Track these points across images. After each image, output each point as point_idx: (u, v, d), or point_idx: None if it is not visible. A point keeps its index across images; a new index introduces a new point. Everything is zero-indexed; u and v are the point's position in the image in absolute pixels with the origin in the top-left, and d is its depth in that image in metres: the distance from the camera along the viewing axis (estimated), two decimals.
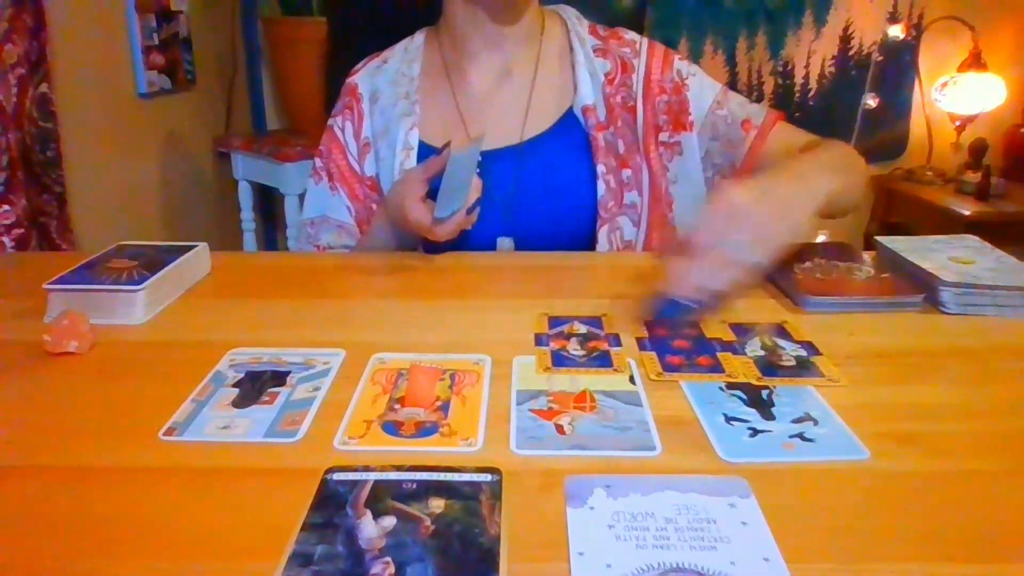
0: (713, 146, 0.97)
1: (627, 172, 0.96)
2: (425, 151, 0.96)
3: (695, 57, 2.41)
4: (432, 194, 0.85)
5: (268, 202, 2.53)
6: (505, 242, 0.96)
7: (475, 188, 0.85)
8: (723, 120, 0.96)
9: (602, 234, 0.95)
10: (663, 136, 0.98)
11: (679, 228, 0.69)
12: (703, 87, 0.98)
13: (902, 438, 0.50)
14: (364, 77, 1.04)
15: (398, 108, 0.99)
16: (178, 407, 0.54)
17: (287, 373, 0.59)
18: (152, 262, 0.75)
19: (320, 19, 2.05)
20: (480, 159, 0.87)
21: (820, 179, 0.72)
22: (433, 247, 0.88)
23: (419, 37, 1.05)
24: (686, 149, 0.98)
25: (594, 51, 0.99)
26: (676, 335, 0.66)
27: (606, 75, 0.98)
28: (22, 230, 1.35)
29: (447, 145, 0.86)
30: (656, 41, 1.02)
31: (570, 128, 0.97)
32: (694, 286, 0.66)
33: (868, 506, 0.44)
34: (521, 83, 0.99)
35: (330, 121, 1.05)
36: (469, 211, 0.84)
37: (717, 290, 0.66)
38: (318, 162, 1.04)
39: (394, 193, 0.91)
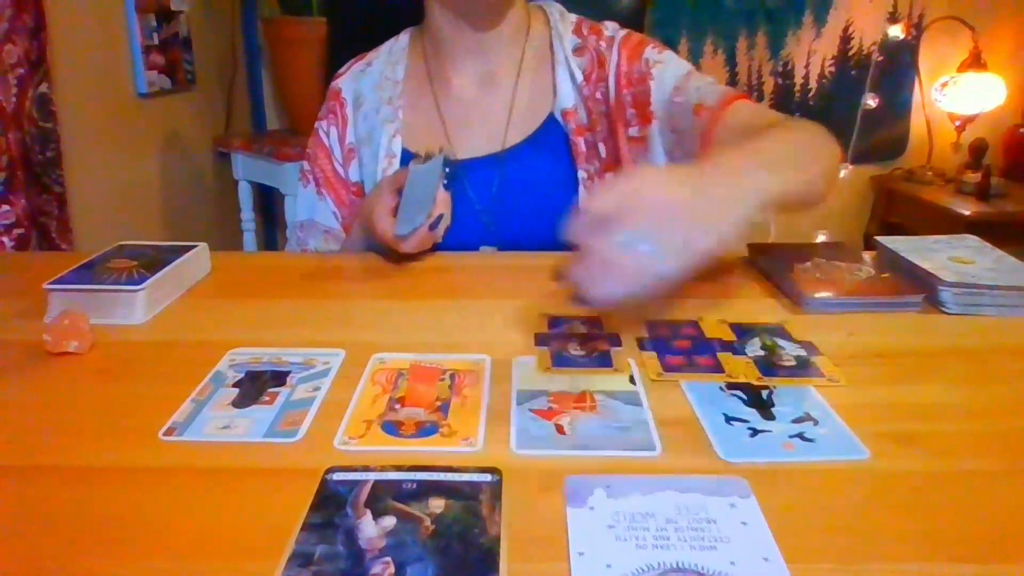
0: (674, 138, 0.91)
1: (611, 175, 0.94)
2: (408, 158, 0.94)
3: (695, 57, 2.41)
4: None
5: (268, 202, 2.53)
6: (487, 251, 0.94)
7: (441, 203, 0.82)
8: (679, 108, 0.89)
9: None
10: (632, 131, 0.94)
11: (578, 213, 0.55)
12: (666, 75, 0.91)
13: (902, 438, 0.50)
14: (348, 81, 1.02)
15: (381, 114, 0.97)
16: (178, 407, 0.54)
17: (287, 373, 0.59)
18: (152, 262, 0.75)
19: (320, 19, 2.05)
20: (445, 172, 0.85)
21: (759, 177, 0.60)
22: (404, 258, 0.86)
23: (404, 38, 1.03)
24: (651, 143, 0.93)
25: (574, 50, 0.96)
26: (676, 335, 0.66)
27: (584, 72, 0.95)
28: (22, 230, 1.35)
29: (416, 156, 0.84)
30: (635, 32, 0.97)
31: (552, 133, 0.95)
32: (596, 294, 0.55)
33: (868, 506, 0.44)
34: (503, 89, 0.97)
35: (316, 124, 1.03)
36: (433, 227, 0.82)
37: (619, 298, 0.54)
38: (306, 165, 1.03)
39: (366, 203, 0.89)
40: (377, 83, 1.00)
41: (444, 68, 0.98)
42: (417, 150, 0.88)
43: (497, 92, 0.97)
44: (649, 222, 0.53)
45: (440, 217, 0.83)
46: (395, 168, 0.95)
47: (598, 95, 0.94)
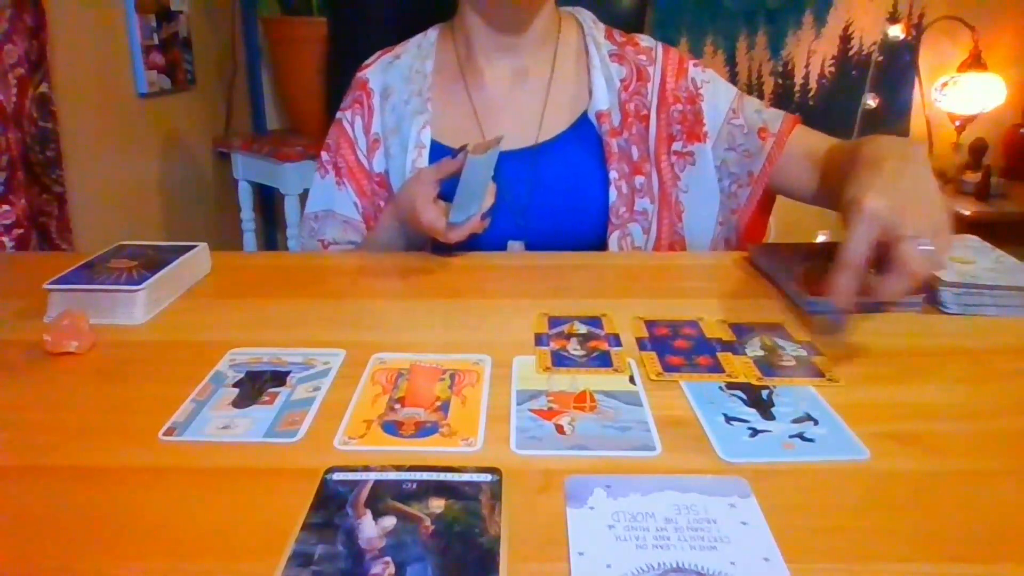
0: (729, 156, 0.96)
1: (640, 179, 0.95)
2: (437, 150, 0.95)
3: (695, 57, 2.41)
4: (444, 195, 0.84)
5: (268, 202, 2.54)
6: (516, 245, 0.95)
7: (490, 193, 0.84)
8: (739, 130, 0.95)
9: (612, 240, 0.94)
10: (676, 145, 0.97)
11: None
12: (718, 96, 0.97)
13: (902, 438, 0.50)
14: (376, 72, 1.03)
15: (410, 105, 0.98)
16: (178, 407, 0.54)
17: (287, 373, 0.59)
18: (152, 262, 0.75)
19: (320, 19, 2.05)
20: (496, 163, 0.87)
21: (919, 147, 0.69)
22: (442, 248, 0.87)
23: (432, 34, 1.03)
24: (699, 159, 0.97)
25: (610, 56, 0.98)
26: (676, 335, 0.66)
27: (622, 81, 0.97)
28: (22, 230, 1.35)
29: (464, 148, 0.85)
30: (672, 47, 1.00)
31: (584, 132, 0.96)
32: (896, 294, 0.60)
33: (868, 506, 0.44)
34: (537, 85, 0.98)
35: (339, 114, 1.03)
36: (483, 217, 0.83)
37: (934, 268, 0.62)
38: (325, 156, 1.02)
39: (405, 193, 0.89)
40: (406, 76, 1.00)
41: (476, 61, 0.99)
42: (463, 141, 0.89)
43: (530, 88, 0.98)
44: (916, 225, 0.59)
45: (491, 207, 0.84)
46: (424, 159, 0.95)
47: (633, 105, 0.96)
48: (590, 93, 0.97)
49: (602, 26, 1.02)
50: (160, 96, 1.93)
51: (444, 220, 0.81)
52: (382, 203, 1.00)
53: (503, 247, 0.95)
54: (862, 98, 2.41)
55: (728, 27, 2.42)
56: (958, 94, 2.36)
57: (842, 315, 0.68)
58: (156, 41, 1.88)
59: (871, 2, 2.41)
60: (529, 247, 0.95)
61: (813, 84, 2.48)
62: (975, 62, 2.33)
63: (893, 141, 0.71)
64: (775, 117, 0.95)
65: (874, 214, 0.60)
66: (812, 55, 2.45)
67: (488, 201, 0.83)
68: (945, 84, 2.39)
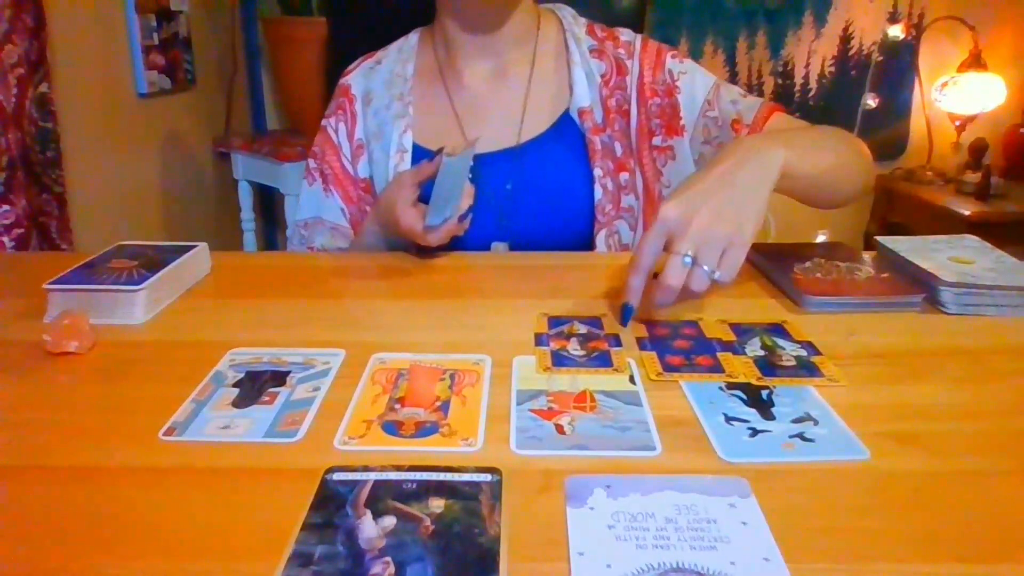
0: (706, 150, 0.95)
1: (624, 175, 0.95)
2: (419, 153, 0.95)
3: (695, 57, 2.40)
4: (424, 199, 0.84)
5: (268, 202, 2.54)
6: (500, 247, 0.95)
7: (467, 194, 0.83)
8: (714, 123, 0.93)
9: (600, 238, 0.94)
10: (656, 140, 0.96)
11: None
12: (695, 87, 0.95)
13: (902, 438, 0.50)
14: (357, 78, 1.03)
15: (392, 110, 0.97)
16: (178, 407, 0.54)
17: (287, 373, 0.59)
18: (152, 262, 0.75)
19: (320, 19, 2.06)
20: (473, 164, 0.86)
21: (773, 153, 0.67)
22: (424, 252, 0.87)
23: (413, 37, 1.03)
24: (679, 154, 0.96)
25: (590, 51, 0.97)
26: (676, 335, 0.66)
27: (602, 77, 0.96)
28: (22, 230, 1.35)
29: (441, 150, 0.85)
30: (651, 39, 0.99)
31: (567, 130, 0.95)
32: (666, 303, 0.64)
33: (868, 506, 0.44)
34: (517, 84, 0.98)
35: (323, 122, 1.03)
36: (461, 218, 0.83)
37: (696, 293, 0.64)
38: (311, 163, 1.03)
39: (385, 197, 0.89)
40: (387, 80, 1.00)
41: (455, 63, 0.98)
42: (443, 144, 0.88)
43: (510, 87, 0.98)
44: (692, 247, 0.62)
45: (469, 209, 0.83)
46: (406, 163, 0.95)
47: (614, 101, 0.96)
48: (571, 90, 0.96)
49: (583, 21, 1.01)
50: (160, 96, 1.93)
51: (422, 223, 0.81)
52: (368, 209, 1.00)
53: (487, 249, 0.94)
54: (862, 98, 2.41)
55: (728, 27, 2.42)
56: (958, 94, 2.36)
57: (634, 313, 0.67)
58: (156, 41, 1.88)
59: (871, 2, 2.41)
60: (513, 248, 0.94)
61: (813, 84, 2.48)
62: (975, 62, 2.33)
63: (750, 144, 0.69)
64: (750, 108, 0.91)
65: (663, 222, 0.63)
66: (812, 55, 2.45)
67: (465, 203, 0.83)
68: (945, 84, 2.39)
